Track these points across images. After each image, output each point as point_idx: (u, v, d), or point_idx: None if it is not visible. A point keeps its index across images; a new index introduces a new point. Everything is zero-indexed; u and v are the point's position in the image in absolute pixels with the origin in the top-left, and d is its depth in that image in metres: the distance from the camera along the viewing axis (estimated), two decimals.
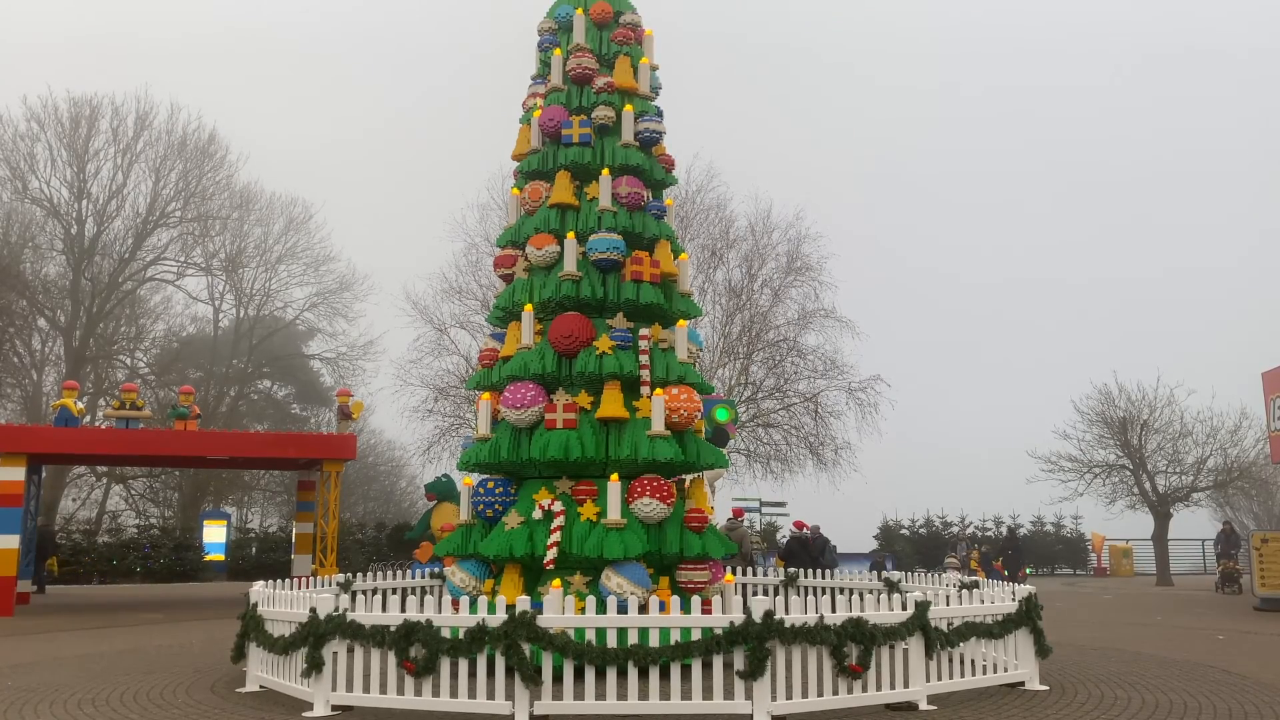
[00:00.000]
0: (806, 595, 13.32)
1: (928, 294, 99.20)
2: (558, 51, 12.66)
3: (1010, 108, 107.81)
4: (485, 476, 11.51)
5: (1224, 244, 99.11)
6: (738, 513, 20.50)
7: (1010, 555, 27.48)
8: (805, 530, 21.74)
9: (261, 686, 9.73)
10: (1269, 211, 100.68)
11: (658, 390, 11.07)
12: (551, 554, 10.46)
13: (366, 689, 8.55)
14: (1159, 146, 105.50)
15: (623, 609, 9.02)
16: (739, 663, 8.12)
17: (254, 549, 34.19)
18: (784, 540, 27.34)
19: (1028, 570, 26.99)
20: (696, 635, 8.18)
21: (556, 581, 9.66)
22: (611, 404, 11.00)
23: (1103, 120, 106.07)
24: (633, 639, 8.32)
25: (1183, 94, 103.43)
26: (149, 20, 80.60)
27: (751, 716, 8.02)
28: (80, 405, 22.09)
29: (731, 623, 8.14)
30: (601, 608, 8.67)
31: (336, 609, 8.69)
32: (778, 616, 8.17)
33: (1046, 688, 9.81)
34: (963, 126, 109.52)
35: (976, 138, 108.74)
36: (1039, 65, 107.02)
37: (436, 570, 13.93)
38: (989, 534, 37.55)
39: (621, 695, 8.12)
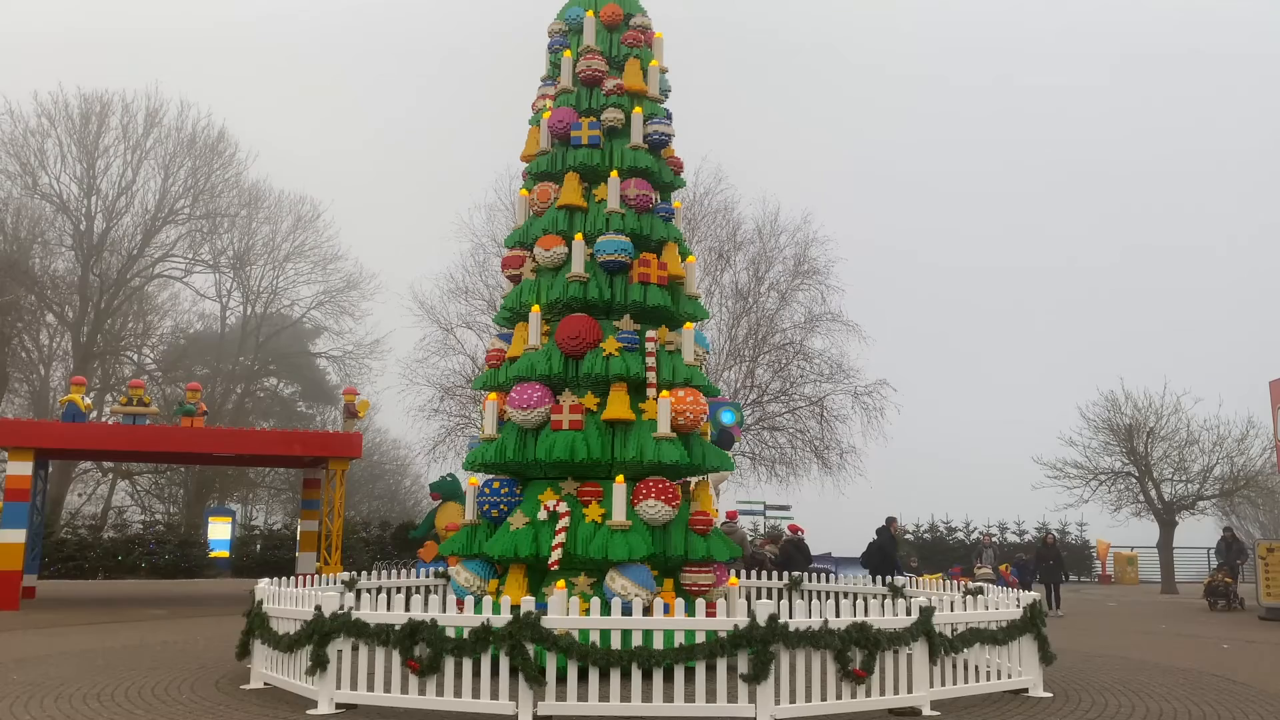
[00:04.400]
0: (811, 599, 13.31)
1: (934, 298, 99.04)
2: (568, 53, 12.68)
3: (1012, 108, 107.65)
4: (491, 476, 11.52)
5: (1230, 248, 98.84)
6: (732, 515, 20.48)
7: (1050, 566, 24.21)
8: (800, 533, 21.69)
9: (266, 684, 9.76)
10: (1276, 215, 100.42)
11: (664, 392, 11.08)
12: (556, 555, 10.47)
13: (371, 688, 8.57)
14: (1170, 146, 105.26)
15: (627, 611, 9.07)
16: (742, 666, 8.12)
17: (259, 546, 34.24)
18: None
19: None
20: (700, 638, 8.19)
21: (561, 582, 9.67)
22: (618, 406, 11.02)
23: (1107, 119, 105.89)
24: (636, 641, 8.35)
25: (1190, 93, 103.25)
26: (160, 17, 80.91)
27: (754, 719, 8.03)
28: (88, 401, 22.10)
29: (735, 626, 8.15)
30: (606, 609, 8.69)
31: (341, 607, 8.71)
32: (782, 620, 8.18)
33: (1050, 695, 9.80)
34: (965, 127, 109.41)
35: (980, 139, 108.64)
36: (1041, 63, 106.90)
37: (441, 570, 13.96)
38: (1014, 539, 37.24)
39: (625, 697, 8.12)
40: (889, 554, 18.68)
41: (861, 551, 19.71)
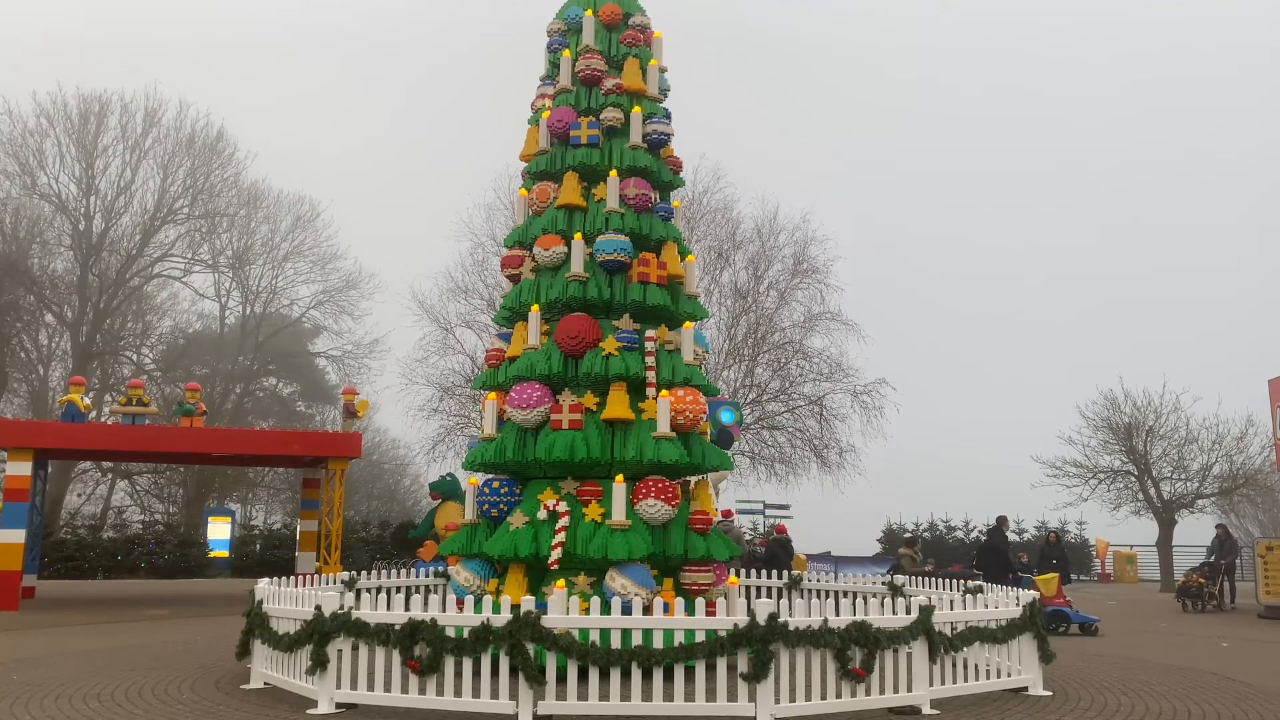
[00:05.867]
0: (810, 598, 13.32)
1: (932, 298, 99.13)
2: (567, 53, 12.68)
3: (1012, 110, 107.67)
4: (490, 476, 11.52)
5: (1230, 250, 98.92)
6: (727, 513, 20.46)
7: (1053, 566, 22.06)
8: (786, 534, 21.65)
9: (266, 684, 9.76)
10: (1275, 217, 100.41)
11: (663, 392, 11.08)
12: (556, 554, 10.47)
13: (371, 687, 8.58)
14: (1160, 150, 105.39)
15: (627, 610, 9.06)
16: (742, 665, 8.13)
17: (258, 546, 34.25)
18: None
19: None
20: (700, 637, 8.20)
21: (561, 582, 9.67)
22: (617, 405, 11.02)
23: (1103, 125, 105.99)
24: (636, 640, 8.35)
25: (1187, 89, 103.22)
26: (160, 16, 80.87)
27: (754, 719, 8.04)
28: (87, 401, 22.09)
29: (735, 625, 8.16)
30: (606, 609, 8.69)
31: (341, 607, 8.72)
32: (781, 619, 8.18)
33: (1050, 693, 9.81)
34: (965, 127, 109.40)
35: (980, 139, 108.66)
36: (1040, 67, 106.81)
37: (441, 569, 13.96)
38: (1013, 539, 37.05)
39: (625, 696, 8.13)
40: (1003, 555, 18.28)
41: (975, 554, 18.84)
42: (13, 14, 66.37)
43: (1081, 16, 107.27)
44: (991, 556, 18.21)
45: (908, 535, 20.41)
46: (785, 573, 14.65)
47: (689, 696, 8.16)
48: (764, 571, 14.81)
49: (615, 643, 8.23)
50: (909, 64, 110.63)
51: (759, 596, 13.75)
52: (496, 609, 8.49)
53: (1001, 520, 20.20)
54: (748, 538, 29.23)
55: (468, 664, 8.28)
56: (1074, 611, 16.89)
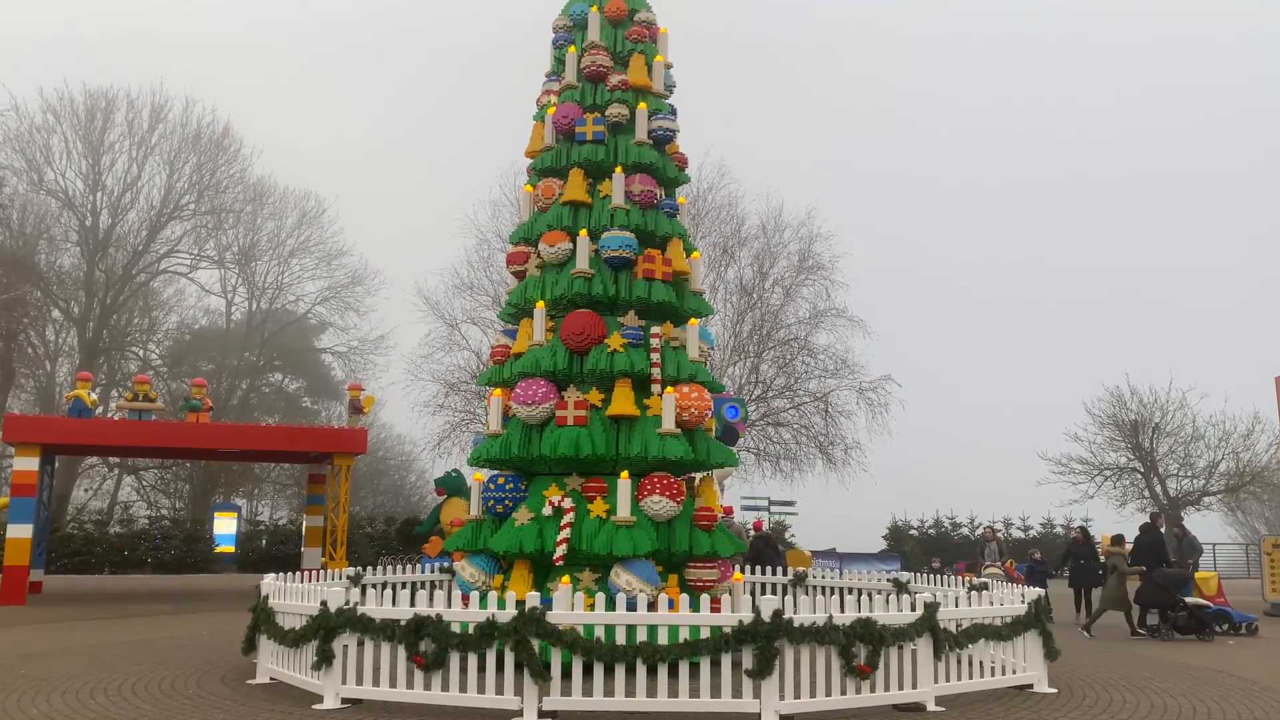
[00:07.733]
0: (815, 595, 13.33)
1: (936, 295, 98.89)
2: (572, 49, 12.68)
3: (1014, 109, 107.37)
4: (496, 472, 11.55)
5: (1231, 247, 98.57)
6: (728, 510, 20.43)
7: (1081, 566, 19.66)
8: (764, 529, 21.58)
9: (272, 678, 9.79)
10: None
11: (668, 388, 11.09)
12: (561, 550, 10.49)
13: (376, 682, 8.60)
14: (1167, 144, 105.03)
15: (632, 606, 9.08)
16: (747, 661, 8.13)
17: (264, 541, 34.36)
18: None
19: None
20: (705, 633, 8.21)
21: (566, 578, 9.69)
22: (622, 401, 11.03)
23: (1106, 121, 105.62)
24: (641, 636, 8.36)
25: (1188, 88, 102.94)
26: (163, 17, 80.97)
27: (759, 715, 8.05)
28: (93, 396, 22.20)
29: (740, 621, 8.16)
30: (611, 605, 8.71)
31: (347, 602, 8.74)
32: (786, 616, 8.19)
33: (1055, 690, 9.81)
34: (966, 123, 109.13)
35: (983, 142, 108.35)
36: (1042, 71, 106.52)
37: (446, 565, 13.99)
38: (1019, 535, 36.96)
39: (630, 692, 8.14)
40: (1161, 553, 18.01)
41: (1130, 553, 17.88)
42: (18, 12, 66.52)
43: (1069, 17, 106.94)
44: (1152, 555, 17.78)
45: (1118, 533, 18.44)
46: (780, 569, 14.64)
47: (694, 693, 8.18)
48: (756, 570, 14.78)
49: (620, 639, 8.24)
50: (911, 63, 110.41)
51: (764, 593, 13.77)
52: (502, 605, 8.50)
53: (1156, 516, 19.63)
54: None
55: (473, 660, 8.30)
56: (1235, 611, 16.92)
